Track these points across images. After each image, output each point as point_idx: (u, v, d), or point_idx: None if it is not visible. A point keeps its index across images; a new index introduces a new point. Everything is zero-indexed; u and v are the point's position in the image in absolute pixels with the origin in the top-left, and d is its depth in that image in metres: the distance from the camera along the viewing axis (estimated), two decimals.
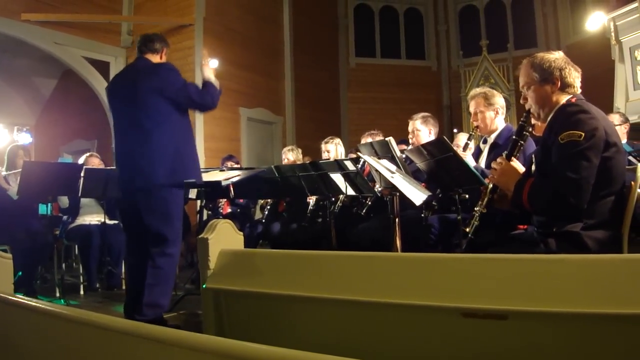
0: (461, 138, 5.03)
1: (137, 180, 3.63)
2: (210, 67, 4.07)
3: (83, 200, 5.96)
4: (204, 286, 2.19)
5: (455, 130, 11.19)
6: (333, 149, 5.83)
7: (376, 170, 3.73)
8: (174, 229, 3.72)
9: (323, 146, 5.91)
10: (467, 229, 2.87)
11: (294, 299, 1.97)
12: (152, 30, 9.37)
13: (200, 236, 2.23)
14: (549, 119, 2.66)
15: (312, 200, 5.50)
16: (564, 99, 2.64)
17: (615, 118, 5.21)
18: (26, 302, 1.92)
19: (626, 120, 5.40)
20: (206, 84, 3.93)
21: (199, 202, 5.48)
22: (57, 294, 5.25)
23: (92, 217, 5.97)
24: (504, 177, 2.74)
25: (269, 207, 6.23)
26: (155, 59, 3.95)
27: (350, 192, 4.28)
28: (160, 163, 3.59)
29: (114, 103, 3.90)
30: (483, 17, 13.46)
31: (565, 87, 2.66)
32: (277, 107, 10.82)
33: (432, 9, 13.80)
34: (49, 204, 5.96)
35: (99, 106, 9.19)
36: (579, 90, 2.70)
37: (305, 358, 1.07)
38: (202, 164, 8.42)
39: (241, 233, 2.37)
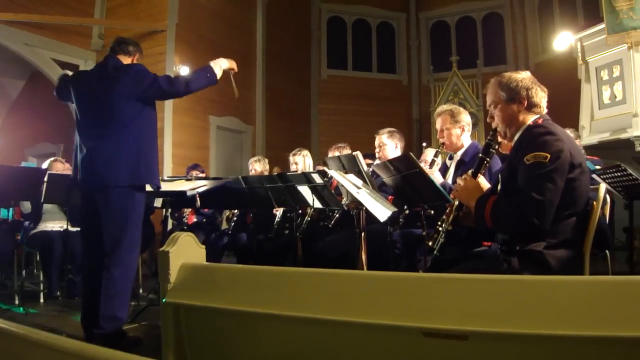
0: (428, 153, 5.07)
1: (96, 179, 3.53)
2: (227, 65, 4.02)
3: (46, 206, 5.84)
4: (163, 300, 2.14)
5: (424, 144, 11.29)
6: (301, 160, 5.81)
7: (342, 185, 3.73)
8: (132, 236, 3.61)
9: (291, 158, 5.90)
10: (431, 243, 2.89)
11: (255, 316, 1.94)
12: (123, 35, 9.31)
13: (161, 249, 2.19)
14: (515, 138, 2.69)
15: (278, 212, 5.48)
16: (530, 118, 2.67)
17: None
18: None
19: (577, 137, 5.53)
20: (203, 68, 3.92)
21: (164, 211, 5.40)
22: (17, 302, 5.12)
23: (55, 223, 5.86)
24: (465, 193, 2.77)
25: (235, 218, 6.18)
26: (126, 60, 3.85)
27: (318, 204, 4.27)
28: (121, 164, 3.49)
29: (79, 97, 3.76)
30: (454, 33, 13.68)
31: (531, 106, 2.68)
32: (247, 116, 10.79)
33: (405, 23, 13.96)
34: (11, 208, 5.83)
35: (67, 110, 9.06)
36: (545, 110, 2.72)
37: None
38: (168, 171, 8.37)
39: (203, 246, 2.33)
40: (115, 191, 3.52)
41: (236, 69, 4.10)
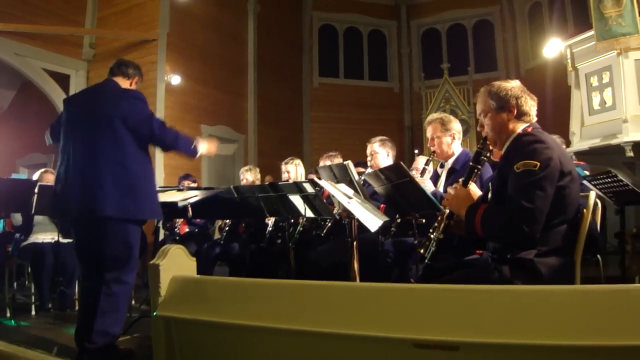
0: (420, 161, 5.09)
1: (87, 208, 3.44)
2: (210, 144, 3.96)
3: (36, 218, 5.79)
4: (154, 314, 2.14)
5: (416, 151, 11.32)
6: (293, 169, 5.82)
7: (333, 195, 3.73)
8: (131, 258, 3.58)
9: (283, 167, 5.90)
10: (423, 251, 2.89)
11: (246, 329, 1.94)
12: (114, 44, 9.34)
13: (151, 262, 2.18)
14: (505, 147, 2.70)
15: (270, 221, 5.47)
16: (520, 127, 2.69)
17: None
18: None
19: (563, 142, 5.55)
20: (191, 139, 3.83)
21: (155, 221, 5.37)
22: (8, 314, 5.08)
23: (46, 235, 5.81)
24: (456, 202, 2.78)
25: (227, 228, 6.16)
26: (124, 84, 3.78)
27: (309, 214, 4.27)
28: (112, 195, 3.39)
29: (71, 118, 3.66)
30: (445, 40, 13.75)
31: (521, 115, 2.70)
32: (239, 124, 10.79)
33: (396, 31, 14.02)
34: (2, 220, 5.80)
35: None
36: (535, 119, 2.74)
37: None
38: (160, 181, 8.33)
39: (194, 259, 2.33)
40: (108, 222, 3.46)
41: (213, 155, 4.08)
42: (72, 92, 9.04)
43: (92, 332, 3.40)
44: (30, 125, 11.27)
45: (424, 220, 3.58)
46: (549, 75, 10.38)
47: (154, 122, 3.63)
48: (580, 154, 6.05)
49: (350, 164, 3.84)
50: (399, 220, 4.01)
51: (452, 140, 3.99)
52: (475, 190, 2.88)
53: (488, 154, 2.86)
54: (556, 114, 7.26)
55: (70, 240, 5.59)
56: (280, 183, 4.52)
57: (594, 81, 6.10)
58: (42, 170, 6.23)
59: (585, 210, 2.59)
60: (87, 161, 3.48)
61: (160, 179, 8.53)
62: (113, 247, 3.49)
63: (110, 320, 3.48)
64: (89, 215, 3.45)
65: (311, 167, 8.34)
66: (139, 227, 3.69)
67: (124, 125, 3.51)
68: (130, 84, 3.86)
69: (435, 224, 2.94)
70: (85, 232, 3.59)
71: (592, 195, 2.71)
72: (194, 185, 6.82)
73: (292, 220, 5.00)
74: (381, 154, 4.76)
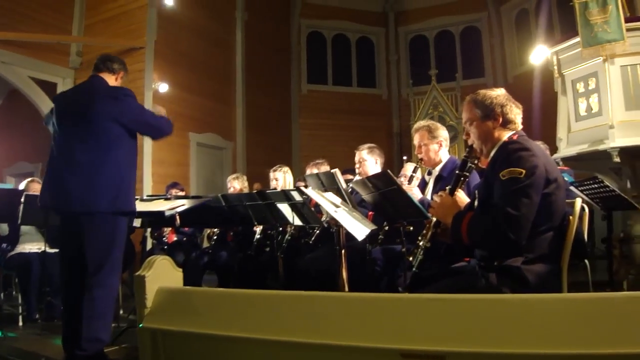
0: (408, 168, 5.09)
1: (77, 204, 3.45)
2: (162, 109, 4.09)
3: (23, 228, 5.75)
4: (140, 325, 2.12)
5: (405, 158, 11.34)
6: (281, 177, 5.80)
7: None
8: (114, 258, 3.57)
9: (271, 174, 5.88)
10: (411, 258, 2.89)
11: (233, 340, 1.93)
12: (102, 52, 9.27)
13: (137, 274, 2.17)
14: (491, 155, 2.71)
15: (258, 229, 5.45)
16: (505, 135, 2.70)
17: None
18: None
19: (546, 148, 5.57)
20: (161, 116, 3.93)
21: (143, 230, 5.34)
22: None
23: (32, 245, 5.77)
24: (441, 210, 2.78)
25: (215, 236, 6.14)
26: (110, 79, 3.78)
27: (297, 222, 4.26)
28: (103, 189, 3.43)
29: (62, 116, 3.66)
30: (433, 47, 13.80)
31: (506, 123, 2.71)
32: (227, 132, 10.77)
33: (384, 38, 14.08)
34: None
35: (45, 128, 8.95)
36: (520, 127, 2.75)
37: None
38: (149, 190, 8.29)
39: (180, 270, 2.31)
40: (98, 216, 3.47)
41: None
42: None
43: (81, 340, 3.38)
44: (17, 134, 11.20)
45: (411, 228, 3.58)
46: (536, 82, 10.46)
47: (147, 115, 3.75)
48: (567, 160, 6.07)
49: (337, 172, 3.84)
50: (386, 228, 4.01)
51: (439, 147, 4.01)
52: (462, 197, 2.89)
53: (476, 162, 2.87)
54: (543, 119, 7.29)
55: (57, 250, 5.55)
56: (268, 191, 4.52)
57: (580, 87, 6.13)
58: (29, 179, 6.18)
59: (571, 218, 2.60)
60: (80, 159, 3.48)
61: (147, 187, 8.49)
62: (97, 243, 3.48)
63: (98, 326, 3.45)
64: (78, 210, 3.44)
65: (300, 175, 8.34)
66: (125, 221, 3.68)
67: (117, 123, 3.56)
68: (116, 79, 3.87)
69: (423, 232, 2.94)
70: (71, 230, 3.57)
71: (578, 202, 2.72)
72: (182, 193, 6.79)
73: (281, 229, 4.99)
74: (369, 161, 4.76)
